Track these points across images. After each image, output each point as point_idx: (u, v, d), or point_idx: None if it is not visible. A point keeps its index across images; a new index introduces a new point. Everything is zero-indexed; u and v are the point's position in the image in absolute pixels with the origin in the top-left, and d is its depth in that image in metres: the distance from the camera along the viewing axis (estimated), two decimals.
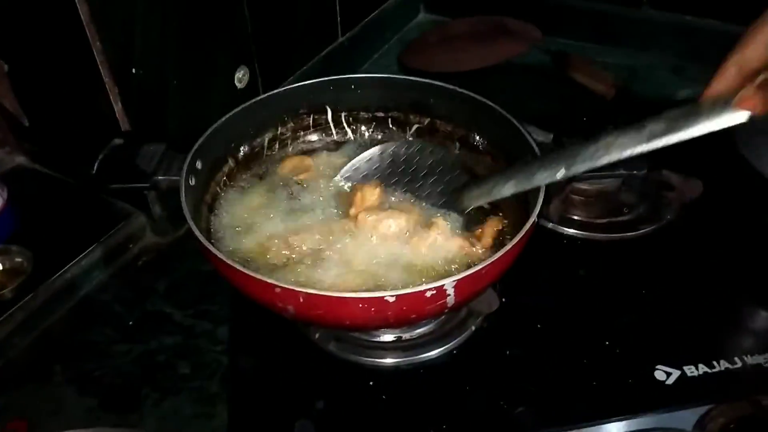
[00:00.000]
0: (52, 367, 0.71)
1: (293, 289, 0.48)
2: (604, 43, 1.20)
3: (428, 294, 0.48)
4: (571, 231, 0.78)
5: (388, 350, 0.64)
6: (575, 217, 0.79)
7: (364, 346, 0.64)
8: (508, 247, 0.51)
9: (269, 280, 0.49)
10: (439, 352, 0.64)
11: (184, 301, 0.77)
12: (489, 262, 0.50)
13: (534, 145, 0.61)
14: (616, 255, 0.76)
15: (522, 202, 0.62)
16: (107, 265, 0.82)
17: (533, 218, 0.54)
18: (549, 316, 0.68)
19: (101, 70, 0.71)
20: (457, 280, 0.49)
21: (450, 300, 0.50)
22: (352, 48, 1.15)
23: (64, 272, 0.77)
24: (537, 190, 0.57)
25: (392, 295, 0.48)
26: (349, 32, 1.14)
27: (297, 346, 0.65)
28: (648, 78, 1.14)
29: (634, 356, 0.64)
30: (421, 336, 0.65)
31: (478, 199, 0.64)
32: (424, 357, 0.64)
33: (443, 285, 0.48)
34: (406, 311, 0.50)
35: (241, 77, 0.89)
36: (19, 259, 0.77)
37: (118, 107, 0.74)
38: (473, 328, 0.65)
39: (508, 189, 0.59)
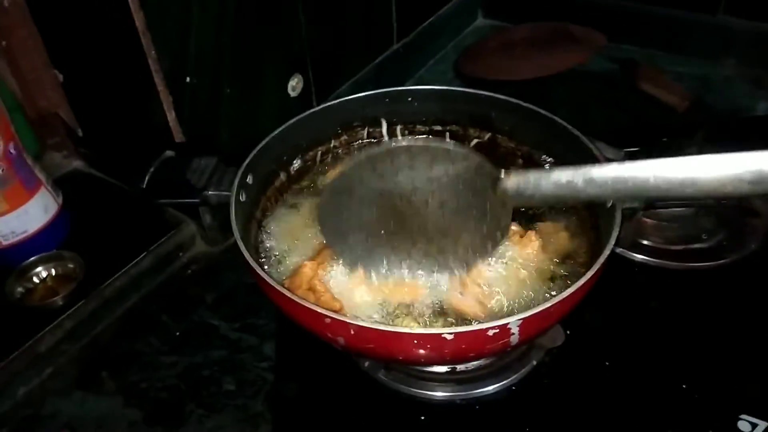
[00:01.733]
0: (99, 377, 0.71)
1: (344, 321, 0.45)
2: (674, 51, 1.13)
3: (490, 333, 0.44)
4: (643, 258, 0.72)
5: (441, 382, 0.60)
6: (647, 243, 0.73)
7: (416, 376, 0.61)
8: (581, 282, 0.47)
9: (320, 310, 0.46)
10: (496, 387, 0.60)
11: (230, 313, 0.76)
12: (558, 299, 0.46)
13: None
14: (693, 286, 0.70)
15: (593, 227, 0.57)
16: (156, 274, 0.81)
17: (609, 248, 0.49)
18: (618, 353, 0.63)
19: (155, 79, 0.70)
20: (523, 318, 0.45)
21: (514, 339, 0.46)
22: (407, 55, 1.12)
23: (114, 280, 0.77)
24: (612, 213, 0.52)
25: (450, 333, 0.44)
26: (404, 39, 1.11)
27: (344, 371, 0.62)
28: (723, 90, 1.07)
29: (715, 403, 0.58)
30: (477, 369, 0.61)
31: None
32: (480, 392, 0.60)
33: (507, 324, 0.44)
34: (465, 350, 0.46)
35: (294, 85, 0.88)
36: (71, 266, 0.77)
37: (171, 116, 0.74)
38: (534, 362, 0.61)
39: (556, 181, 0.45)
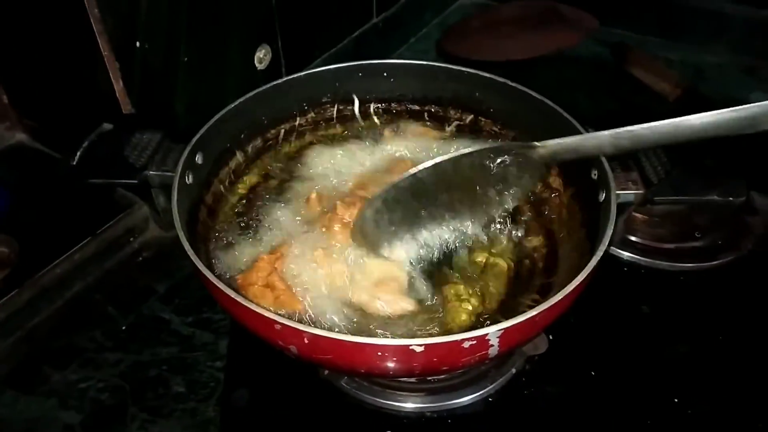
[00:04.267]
0: (33, 374, 0.65)
1: (297, 328, 0.39)
2: (667, 36, 1.09)
3: (466, 345, 0.39)
4: (632, 256, 0.68)
5: (409, 392, 0.54)
6: (637, 240, 0.69)
7: (382, 385, 0.55)
8: (569, 289, 0.41)
9: (268, 315, 0.39)
10: (471, 398, 0.54)
11: (184, 306, 0.70)
12: (544, 307, 0.40)
13: (603, 159, 0.50)
14: (686, 289, 0.65)
15: (583, 224, 0.51)
16: (103, 261, 0.75)
17: (602, 249, 0.43)
18: (605, 362, 0.58)
19: (99, 42, 0.63)
20: (504, 329, 0.39)
21: (493, 351, 0.40)
22: (387, 30, 1.06)
23: (53, 267, 0.70)
24: (606, 211, 0.46)
25: (420, 345, 0.38)
26: (384, 12, 1.05)
27: (302, 379, 0.56)
28: (717, 78, 1.02)
29: (710, 418, 0.54)
30: (450, 377, 0.55)
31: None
32: (454, 403, 0.54)
33: (486, 335, 0.39)
34: (437, 363, 0.40)
35: (261, 57, 0.81)
36: (3, 249, 0.70)
37: (118, 86, 0.67)
38: (514, 370, 0.55)
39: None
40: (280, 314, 0.39)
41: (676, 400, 0.55)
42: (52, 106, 0.78)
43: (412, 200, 0.51)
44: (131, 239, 0.77)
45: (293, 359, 0.44)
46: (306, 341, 0.39)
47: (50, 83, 0.74)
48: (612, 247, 0.68)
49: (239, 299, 0.40)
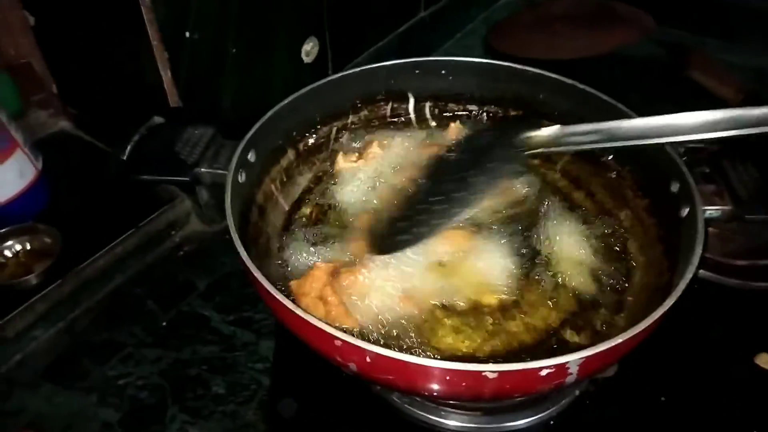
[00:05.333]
0: (72, 368, 0.64)
1: (359, 346, 0.36)
2: (727, 38, 1.04)
3: (544, 372, 0.35)
4: (703, 273, 0.64)
5: (466, 411, 0.51)
6: (708, 255, 0.64)
7: (436, 402, 0.52)
8: (657, 315, 0.38)
9: (329, 330, 0.37)
10: (530, 420, 0.51)
11: (225, 303, 0.69)
12: (630, 335, 0.37)
13: (683, 167, 0.47)
14: (763, 311, 0.61)
15: (660, 239, 0.48)
16: (145, 254, 0.74)
17: (692, 269, 0.40)
18: (676, 388, 0.54)
19: (149, 31, 0.61)
20: (586, 357, 0.35)
21: (570, 379, 0.37)
22: (434, 25, 1.04)
23: (96, 259, 0.69)
24: (691, 229, 0.43)
25: (494, 371, 0.35)
26: (432, 7, 1.02)
27: (352, 391, 0.54)
28: None
29: None
30: None
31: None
32: (512, 425, 0.51)
33: (566, 363, 0.35)
34: (509, 390, 0.37)
35: (309, 50, 0.79)
36: (47, 240, 0.69)
37: (167, 76, 0.66)
38: (577, 392, 0.52)
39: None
40: (339, 329, 0.37)
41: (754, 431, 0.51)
42: (97, 95, 0.77)
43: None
44: (173, 233, 0.77)
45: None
46: (368, 359, 0.37)
47: (97, 72, 0.73)
48: None
49: (298, 311, 0.38)
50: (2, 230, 0.68)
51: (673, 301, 0.39)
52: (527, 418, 0.51)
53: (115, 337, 0.66)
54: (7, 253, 0.68)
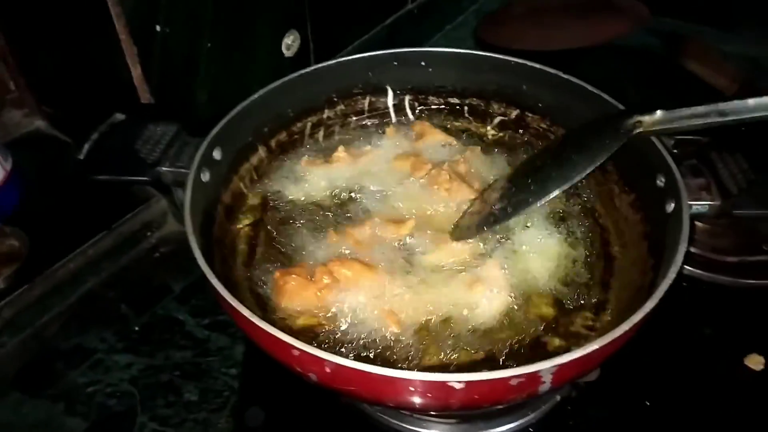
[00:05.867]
0: (40, 376, 0.63)
1: (317, 356, 0.34)
2: (723, 27, 1.01)
3: (514, 382, 0.33)
4: (692, 270, 0.62)
5: (441, 420, 0.49)
6: (697, 251, 0.63)
7: (411, 410, 0.49)
8: (635, 319, 0.36)
9: (286, 339, 0.34)
10: (511, 428, 0.49)
11: (201, 307, 0.68)
12: (606, 341, 0.34)
13: (670, 160, 0.44)
14: (754, 309, 0.59)
15: (645, 236, 0.45)
16: (118, 256, 0.72)
17: (674, 270, 0.37)
18: (662, 391, 0.52)
19: (116, 25, 0.59)
20: (559, 365, 0.33)
21: (544, 388, 0.35)
22: (422, 17, 1.01)
23: (66, 262, 0.68)
24: (675, 225, 0.40)
25: (460, 381, 0.32)
26: None
27: (321, 399, 0.51)
28: None
29: None
30: None
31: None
32: None
33: (538, 371, 0.33)
34: (479, 400, 0.35)
35: (290, 44, 0.77)
36: (14, 243, 0.68)
37: (136, 72, 0.64)
38: (558, 398, 0.50)
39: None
40: (301, 338, 0.34)
41: None
42: (69, 93, 0.75)
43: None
44: (148, 234, 0.75)
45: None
46: (328, 370, 0.34)
47: (67, 68, 0.72)
48: None
49: (254, 319, 0.35)
50: None
51: (654, 304, 0.36)
52: (505, 425, 0.49)
53: (86, 343, 0.65)
54: None
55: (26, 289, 0.64)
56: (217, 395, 0.59)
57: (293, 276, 0.47)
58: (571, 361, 0.33)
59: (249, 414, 0.53)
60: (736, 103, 0.45)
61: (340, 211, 0.57)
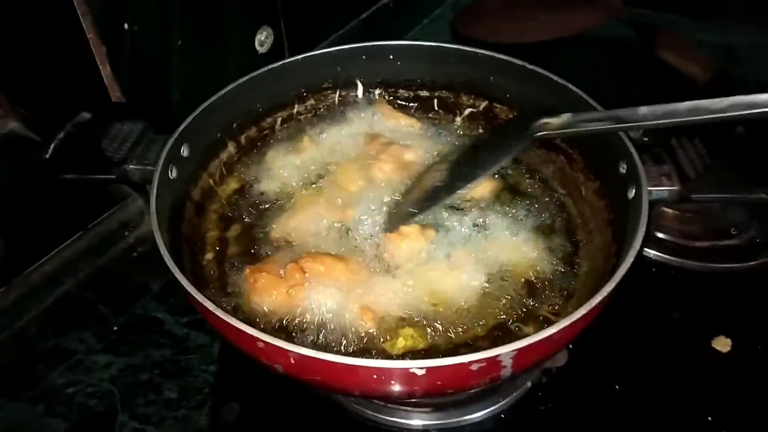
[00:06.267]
0: (19, 378, 0.63)
1: (281, 347, 0.34)
2: (697, 17, 1.02)
3: (474, 367, 0.34)
4: (660, 255, 0.63)
5: (415, 408, 0.50)
6: (666, 237, 0.64)
7: (384, 400, 0.50)
8: (593, 303, 0.37)
9: (251, 332, 0.35)
10: (483, 414, 0.50)
11: (179, 305, 0.68)
12: (564, 324, 0.35)
13: (631, 147, 0.45)
14: (722, 293, 0.60)
15: (610, 223, 0.46)
16: (96, 257, 0.72)
17: (633, 255, 0.38)
18: (631, 375, 0.53)
19: (83, 23, 0.59)
20: (518, 349, 0.34)
21: (506, 373, 0.36)
22: (398, 11, 1.02)
23: (42, 263, 0.67)
24: (636, 210, 0.41)
25: (422, 367, 0.33)
26: None
27: (296, 392, 0.52)
28: (749, 60, 0.95)
29: None
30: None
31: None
32: (463, 420, 0.50)
33: (497, 356, 0.34)
34: (441, 386, 0.36)
35: (263, 40, 0.77)
36: None
37: (106, 71, 0.64)
38: (530, 384, 0.51)
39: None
40: (263, 329, 0.35)
41: (710, 419, 0.51)
42: (41, 93, 0.74)
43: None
44: (125, 234, 0.74)
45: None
46: (292, 361, 0.35)
47: (37, 69, 0.71)
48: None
49: (218, 312, 0.36)
50: None
51: (611, 288, 0.37)
52: (477, 412, 0.50)
53: (65, 344, 0.65)
54: None
55: (3, 292, 0.64)
56: (197, 392, 0.60)
57: (263, 273, 0.47)
58: (529, 346, 0.34)
59: (225, 409, 0.53)
60: (630, 111, 0.46)
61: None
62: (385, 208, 0.54)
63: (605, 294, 0.37)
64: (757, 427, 0.50)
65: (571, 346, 0.52)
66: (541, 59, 0.60)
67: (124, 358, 0.64)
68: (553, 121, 0.51)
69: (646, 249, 0.63)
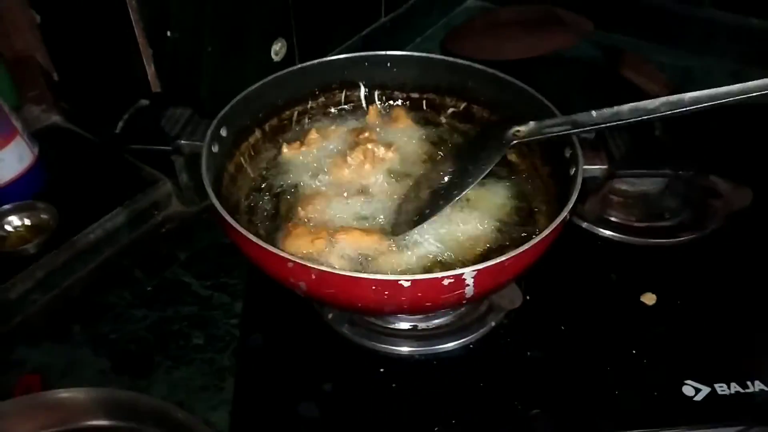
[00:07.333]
0: (68, 327, 0.72)
1: (306, 265, 0.46)
2: (659, 41, 1.14)
3: (446, 282, 0.46)
4: (607, 233, 0.74)
5: (402, 338, 0.62)
6: (613, 219, 0.76)
7: (379, 332, 0.62)
8: (535, 241, 0.48)
9: (282, 254, 0.47)
10: (455, 344, 0.61)
11: (203, 272, 0.77)
12: (513, 254, 0.47)
13: (575, 140, 0.58)
14: (652, 261, 0.72)
15: (558, 197, 0.59)
16: (131, 230, 0.82)
17: (567, 210, 0.50)
18: (574, 319, 0.65)
19: (135, 30, 0.70)
20: (478, 270, 0.46)
21: (469, 291, 0.47)
22: (395, 29, 1.12)
23: (87, 232, 0.77)
24: (573, 182, 0.54)
25: (408, 280, 0.45)
26: (392, 12, 1.11)
27: (309, 326, 0.64)
28: (704, 81, 1.08)
29: (662, 368, 0.61)
30: (438, 327, 0.63)
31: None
32: (440, 348, 0.62)
33: (462, 274, 0.46)
34: (422, 298, 0.48)
35: (278, 50, 0.88)
36: (44, 216, 0.77)
37: (150, 69, 0.74)
38: (493, 324, 0.63)
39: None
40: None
41: (634, 352, 0.62)
42: (86, 90, 0.85)
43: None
44: (155, 212, 0.84)
45: (303, 300, 0.51)
46: (313, 277, 0.47)
47: (87, 69, 0.81)
48: (591, 225, 0.75)
49: (256, 240, 0.48)
50: (4, 206, 0.76)
51: (547, 233, 0.49)
52: (452, 342, 0.61)
53: (106, 300, 0.74)
54: (8, 227, 0.76)
55: (54, 255, 0.73)
56: (220, 340, 0.69)
57: (301, 227, 0.58)
58: (486, 268, 0.46)
59: (251, 339, 0.64)
60: (584, 115, 0.56)
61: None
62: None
63: (543, 235, 0.49)
64: (672, 358, 0.62)
65: (528, 297, 0.64)
66: (520, 74, 0.69)
67: (157, 313, 0.72)
68: (522, 128, 0.59)
69: (597, 227, 0.74)
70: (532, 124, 0.59)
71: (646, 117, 0.54)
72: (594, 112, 0.56)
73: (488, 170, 0.59)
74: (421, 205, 0.60)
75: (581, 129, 0.57)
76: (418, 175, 0.66)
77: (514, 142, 0.60)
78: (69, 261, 0.75)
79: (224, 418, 0.61)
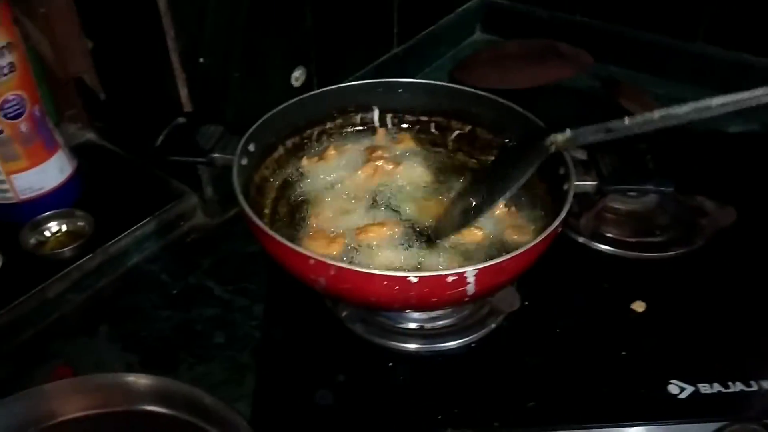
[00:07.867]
0: (100, 325, 0.77)
1: (325, 262, 0.52)
2: (654, 73, 1.20)
3: (449, 279, 0.52)
4: (602, 247, 0.79)
5: (410, 336, 0.67)
6: (607, 234, 0.81)
7: (389, 330, 0.68)
8: (530, 245, 0.54)
9: (304, 252, 0.53)
10: (458, 343, 0.67)
11: (225, 277, 0.82)
12: (510, 256, 0.53)
13: (567, 157, 0.64)
14: (643, 273, 0.77)
15: (555, 212, 0.64)
16: (158, 238, 0.88)
17: (561, 218, 0.56)
18: (569, 323, 0.70)
19: (172, 57, 0.77)
20: (478, 269, 0.52)
21: (470, 288, 0.53)
22: (406, 59, 1.18)
23: (119, 239, 0.83)
24: (566, 196, 0.60)
25: (415, 276, 0.51)
26: (404, 44, 1.18)
27: (324, 323, 0.69)
28: None
29: (650, 369, 0.65)
30: (442, 327, 0.68)
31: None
32: (444, 346, 0.67)
33: (464, 272, 0.52)
34: (428, 294, 0.53)
35: (297, 76, 0.94)
36: (81, 223, 0.83)
37: (183, 93, 0.80)
38: (493, 325, 0.68)
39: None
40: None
41: (623, 353, 0.67)
42: (126, 108, 0.92)
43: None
44: (181, 223, 0.90)
45: (320, 299, 0.56)
46: (332, 272, 0.53)
47: (129, 90, 0.89)
48: (587, 240, 0.80)
49: (279, 238, 0.54)
50: (46, 213, 0.82)
51: (542, 238, 0.55)
52: (455, 341, 0.66)
53: (134, 302, 0.79)
54: (47, 233, 0.83)
55: (88, 259, 0.79)
56: (240, 340, 0.73)
57: (318, 231, 0.65)
58: (486, 267, 0.52)
59: (273, 331, 0.70)
60: (617, 122, 0.59)
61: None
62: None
63: (539, 240, 0.55)
64: (659, 360, 0.66)
65: (527, 303, 0.69)
66: (525, 104, 0.74)
67: (182, 314, 0.77)
68: (560, 136, 0.62)
69: (592, 242, 0.80)
70: (568, 131, 0.62)
71: (676, 122, 0.58)
72: (627, 119, 0.59)
73: (531, 173, 0.61)
74: (460, 210, 0.65)
75: (615, 134, 0.60)
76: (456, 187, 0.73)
77: (554, 148, 0.62)
78: (102, 265, 0.80)
79: (244, 410, 0.65)
